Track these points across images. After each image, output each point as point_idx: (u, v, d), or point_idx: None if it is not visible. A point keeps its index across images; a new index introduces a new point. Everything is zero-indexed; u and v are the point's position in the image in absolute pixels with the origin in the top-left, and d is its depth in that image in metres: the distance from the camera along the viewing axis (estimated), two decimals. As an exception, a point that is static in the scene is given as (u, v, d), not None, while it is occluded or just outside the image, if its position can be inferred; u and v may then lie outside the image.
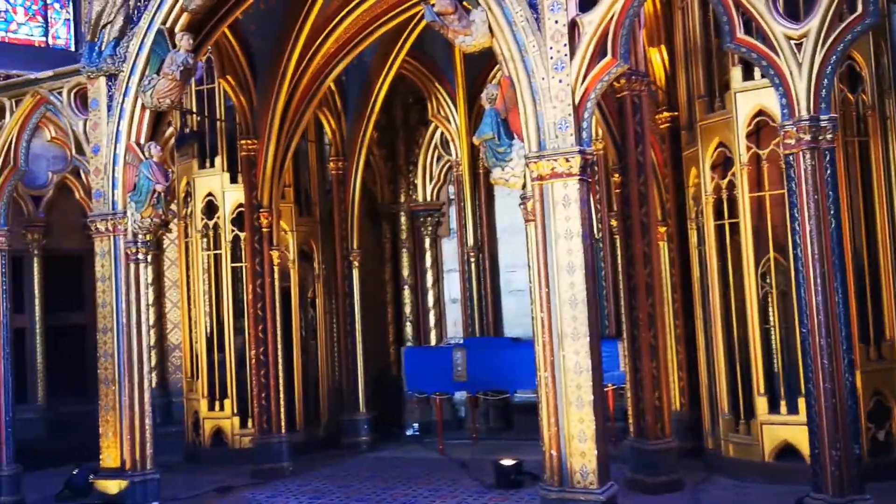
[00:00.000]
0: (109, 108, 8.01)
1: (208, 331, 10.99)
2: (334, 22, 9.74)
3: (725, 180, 8.12)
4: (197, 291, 11.04)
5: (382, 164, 12.87)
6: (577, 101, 6.10)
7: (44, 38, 12.61)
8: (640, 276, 7.80)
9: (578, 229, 6.07)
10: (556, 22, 6.14)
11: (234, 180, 10.88)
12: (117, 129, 7.96)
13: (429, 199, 12.83)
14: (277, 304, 9.97)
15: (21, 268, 11.88)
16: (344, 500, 8.26)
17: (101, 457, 7.82)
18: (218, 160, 10.97)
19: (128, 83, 7.93)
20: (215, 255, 10.99)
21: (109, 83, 8.03)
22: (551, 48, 6.15)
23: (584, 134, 6.15)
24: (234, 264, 10.89)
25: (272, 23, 9.59)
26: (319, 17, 9.41)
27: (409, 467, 9.83)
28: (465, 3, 6.62)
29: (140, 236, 7.98)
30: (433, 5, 6.67)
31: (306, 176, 11.53)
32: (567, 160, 6.10)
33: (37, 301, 12.02)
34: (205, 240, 11.06)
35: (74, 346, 12.57)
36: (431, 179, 12.83)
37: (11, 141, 8.68)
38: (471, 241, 12.22)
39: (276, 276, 10.06)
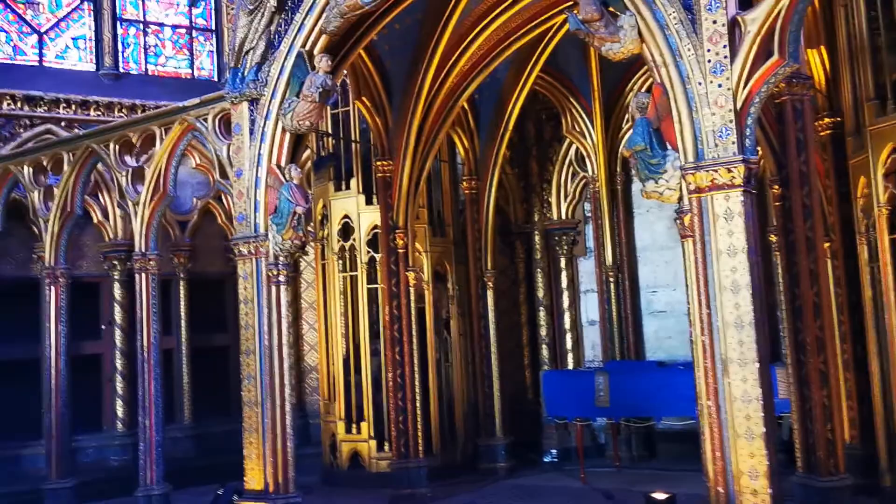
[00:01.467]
0: (251, 132, 8.11)
1: (344, 353, 11.00)
2: (469, 39, 9.61)
3: (901, 189, 7.38)
4: (334, 313, 11.07)
5: (515, 183, 12.61)
6: (739, 107, 5.62)
7: (189, 70, 13.14)
8: (807, 296, 7.15)
9: (743, 244, 5.57)
10: (715, 22, 5.69)
11: (369, 202, 10.90)
12: (259, 153, 8.04)
13: (564, 217, 12.44)
14: (414, 326, 9.84)
15: (168, 291, 12.30)
16: (486, 531, 7.96)
17: (244, 478, 7.84)
18: (353, 182, 11.01)
19: (269, 107, 8.00)
20: (351, 276, 11.01)
21: (251, 108, 8.13)
22: (709, 50, 5.70)
23: (748, 141, 5.65)
24: (369, 286, 10.87)
25: (407, 43, 9.54)
26: (454, 35, 9.29)
27: (551, 497, 9.44)
28: (611, 8, 6.27)
29: (281, 258, 8.00)
30: (577, 13, 6.35)
31: (439, 196, 11.42)
32: (729, 170, 5.62)
33: (183, 323, 12.41)
34: (340, 262, 11.11)
35: (218, 367, 12.90)
36: (566, 197, 12.44)
37: (161, 168, 8.96)
38: (609, 261, 11.74)
39: (413, 297, 9.95)
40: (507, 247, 12.60)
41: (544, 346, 12.34)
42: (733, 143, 5.63)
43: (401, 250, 9.94)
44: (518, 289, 12.68)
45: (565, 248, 12.43)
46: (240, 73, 8.18)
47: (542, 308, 12.41)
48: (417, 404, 9.73)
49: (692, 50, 5.77)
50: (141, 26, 12.76)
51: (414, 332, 9.84)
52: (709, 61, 5.71)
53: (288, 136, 8.05)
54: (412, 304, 9.91)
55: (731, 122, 5.64)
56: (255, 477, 7.76)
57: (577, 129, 11.92)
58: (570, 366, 12.19)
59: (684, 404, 9.35)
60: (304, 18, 7.82)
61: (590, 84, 11.54)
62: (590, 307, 12.36)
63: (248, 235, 8.03)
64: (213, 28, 13.19)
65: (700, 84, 5.74)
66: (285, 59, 7.93)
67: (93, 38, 12.44)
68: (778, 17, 5.56)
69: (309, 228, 8.24)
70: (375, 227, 10.81)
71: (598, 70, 11.32)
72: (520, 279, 12.72)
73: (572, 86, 11.75)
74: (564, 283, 12.42)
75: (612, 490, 9.43)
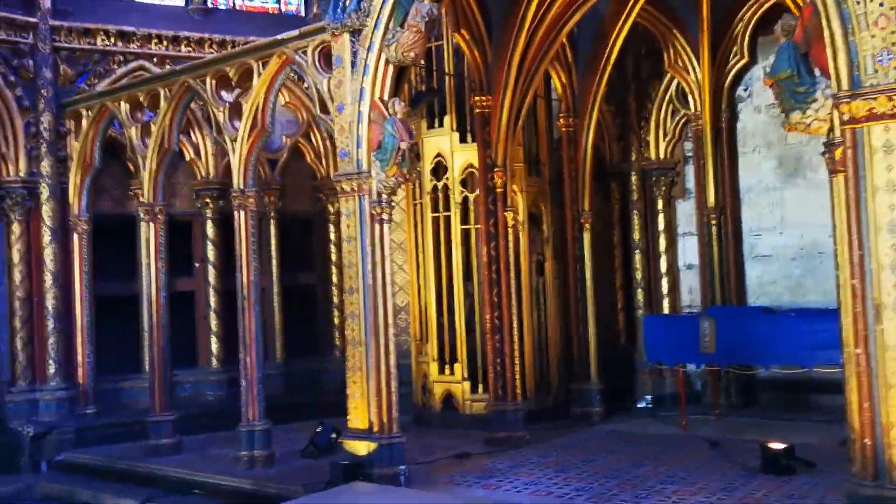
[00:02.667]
0: (353, 64, 7.85)
1: (436, 294, 10.84)
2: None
3: None
4: (427, 255, 10.89)
5: (611, 121, 12.10)
6: (904, 27, 5.11)
7: (277, 6, 12.90)
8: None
9: (903, 180, 5.12)
10: (878, -68, 5.15)
11: (463, 140, 10.60)
12: (361, 86, 7.79)
13: (662, 157, 11.93)
14: (512, 268, 9.60)
15: (259, 229, 12.25)
16: (593, 476, 7.76)
17: (348, 417, 7.80)
18: (447, 120, 10.71)
19: (371, 38, 7.73)
20: (444, 217, 10.77)
21: (353, 39, 7.86)
22: (869, -36, 5.18)
23: (914, 66, 5.15)
24: (463, 226, 10.64)
25: (509, -28, 9.10)
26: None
27: (650, 444, 9.18)
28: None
29: (384, 196, 7.80)
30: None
31: (534, 134, 11.00)
32: (890, 98, 5.15)
33: (273, 262, 12.40)
34: (432, 202, 10.87)
35: (305, 306, 12.93)
36: (665, 136, 11.91)
37: (259, 102, 8.78)
38: (711, 203, 11.23)
39: (510, 238, 9.68)
40: (601, 188, 12.16)
41: (639, 290, 11.98)
42: (895, 68, 5.13)
43: (499, 190, 9.64)
44: (612, 231, 12.27)
45: (663, 189, 11.95)
46: (341, 4, 7.90)
47: (637, 251, 12.01)
48: (515, 347, 9.53)
49: (850, -35, 5.25)
50: (230, -40, 12.55)
51: (512, 274, 9.59)
52: (869, -23, 5.19)
53: (391, 68, 7.79)
54: (510, 246, 9.63)
55: (893, 44, 5.13)
56: (358, 416, 7.71)
57: (681, 63, 11.33)
58: (666, 310, 11.82)
59: (797, 352, 8.99)
60: (410, -57, 7.47)
61: (697, 16, 10.90)
62: (688, 251, 11.91)
63: (350, 172, 7.84)
64: (301, -39, 12.91)
65: (858, 3, 5.23)
66: (389, -13, 7.62)
67: (182, -28, 12.28)
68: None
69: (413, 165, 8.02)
70: (469, 166, 10.54)
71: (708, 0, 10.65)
72: (614, 221, 12.31)
73: (678, 18, 11.12)
74: (661, 225, 11.98)
75: (716, 439, 9.11)
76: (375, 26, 7.70)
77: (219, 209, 12.03)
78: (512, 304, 9.55)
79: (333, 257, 12.79)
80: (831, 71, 5.37)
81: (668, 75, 11.66)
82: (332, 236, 12.77)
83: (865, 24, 5.20)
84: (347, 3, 7.85)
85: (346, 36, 7.88)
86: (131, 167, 11.52)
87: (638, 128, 11.99)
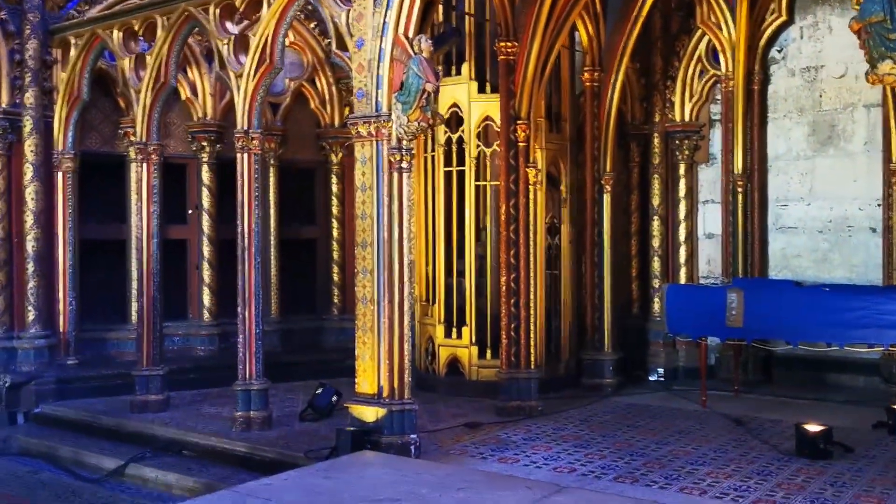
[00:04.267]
0: (376, -5, 7.13)
1: (445, 253, 10.24)
2: None
3: None
4: (438, 211, 10.25)
5: (635, 79, 11.40)
6: None
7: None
8: None
9: None
10: None
11: (482, 90, 9.92)
12: (384, 21, 7.07)
13: (687, 119, 11.28)
14: (531, 228, 8.99)
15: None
16: (616, 453, 7.24)
17: (356, 381, 7.20)
18: (465, 67, 10.00)
19: (399, -34, 6.99)
20: (458, 171, 10.12)
21: (377, -32, 7.13)
22: None
23: None
24: (477, 182, 10.00)
25: None
26: None
27: (671, 419, 8.69)
28: None
29: (405, 142, 7.14)
30: None
31: (556, 87, 10.32)
32: None
33: (272, 212, 11.70)
34: (445, 155, 10.22)
35: (304, 261, 12.29)
36: (692, 97, 11.23)
37: (268, 35, 8.05)
38: (739, 169, 10.63)
39: (531, 196, 9.06)
40: (620, 149, 11.48)
41: (656, 258, 11.41)
42: None
43: (521, 144, 8.99)
44: (630, 195, 11.66)
45: (686, 153, 11.32)
46: (372, -73, 7.14)
47: (656, 217, 11.41)
48: (532, 312, 8.95)
49: None
50: None
51: (531, 235, 8.98)
52: None
53: (418, 2, 7.07)
54: (531, 204, 9.02)
55: None
56: (367, 379, 7.12)
57: (713, 19, 10.63)
58: (683, 280, 11.28)
59: (831, 330, 8.51)
60: None
61: (737, -34, 10.20)
62: (708, 219, 11.34)
63: (368, 115, 7.15)
64: None
65: (973, -62, 4.60)
66: (420, -90, 6.88)
67: None
68: None
69: (437, 110, 7.35)
70: (487, 118, 9.90)
71: (750, -51, 9.95)
72: (633, 185, 11.68)
73: (714, -32, 10.42)
74: (682, 191, 11.36)
75: (739, 416, 8.64)
76: (403, -47, 6.96)
77: (216, 153, 11.33)
78: (530, 266, 8.95)
79: (335, 210, 12.12)
80: (935, 15, 4.75)
81: (699, 32, 10.97)
82: (335, 188, 12.08)
83: (980, -37, 4.58)
84: (372, -74, 7.10)
85: (370, -36, 7.14)
86: (122, 103, 10.78)
87: (663, 87, 11.32)
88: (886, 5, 4.99)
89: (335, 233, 12.17)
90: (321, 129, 12.12)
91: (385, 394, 7.04)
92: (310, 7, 10.19)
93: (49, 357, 10.23)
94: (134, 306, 10.42)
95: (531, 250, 9.00)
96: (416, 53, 7.01)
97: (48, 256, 10.28)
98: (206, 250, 11.34)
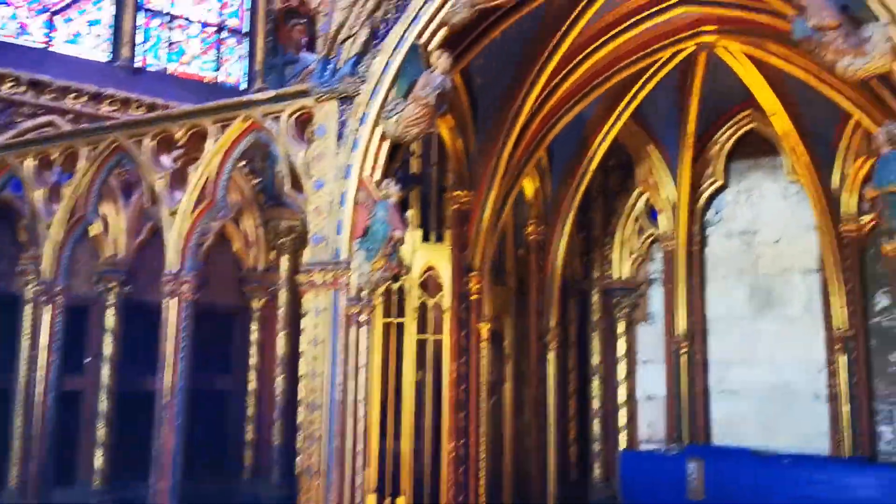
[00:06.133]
0: (340, 136, 6.63)
1: (381, 414, 9.36)
2: (577, 60, 8.35)
3: None
4: (373, 367, 9.43)
5: (574, 234, 11.24)
6: None
7: (214, 74, 11.54)
8: None
9: None
10: None
11: (426, 238, 9.44)
12: (348, 162, 6.56)
13: (625, 276, 11.13)
14: (482, 389, 8.32)
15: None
16: None
17: (297, 569, 6.13)
18: (410, 214, 9.53)
19: (367, 108, 6.56)
20: (397, 323, 9.43)
21: (343, 107, 6.66)
22: None
23: None
24: (419, 336, 9.32)
25: (507, 57, 8.19)
26: (573, 46, 8.01)
27: None
28: (853, 15, 5.09)
29: (365, 293, 6.48)
30: (805, 18, 5.15)
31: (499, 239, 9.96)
32: None
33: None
34: (383, 305, 9.54)
35: (214, 415, 11.06)
36: (631, 254, 11.16)
37: (212, 173, 7.35)
38: (682, 330, 10.43)
39: (483, 353, 8.45)
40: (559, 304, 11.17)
41: (596, 421, 10.87)
42: None
43: (473, 297, 8.50)
44: (568, 353, 11.22)
45: (625, 311, 11.09)
46: (331, 65, 6.74)
47: (595, 377, 10.98)
48: (481, 482, 8.13)
49: (980, 70, 4.59)
50: (167, 18, 11.17)
51: (482, 396, 8.31)
52: None
53: (387, 144, 6.62)
54: (481, 362, 8.40)
55: None
56: (310, 568, 6.06)
57: (652, 181, 10.72)
58: (623, 445, 10.74)
59: (798, 504, 8.05)
60: (423, 6, 6.48)
61: (678, 131, 10.38)
62: (648, 380, 11.00)
63: (325, 261, 6.50)
64: (247, 31, 11.67)
65: None
66: (393, 52, 6.55)
67: (111, 24, 10.79)
68: None
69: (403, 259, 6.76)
70: (430, 268, 9.35)
71: (697, 115, 10.14)
72: (570, 342, 11.28)
73: (653, 132, 10.58)
74: (621, 350, 11.05)
75: None
76: (372, 95, 6.55)
77: (123, 295, 10.22)
78: (480, 431, 8.23)
79: (253, 361, 11.09)
80: (960, 187, 4.61)
81: (636, 191, 11.04)
82: (256, 336, 11.10)
83: None
84: (340, 65, 6.70)
85: (335, 103, 6.68)
86: (24, 237, 9.63)
87: (602, 244, 11.20)
88: (904, 174, 4.87)
89: (250, 385, 11.08)
90: (243, 272, 11.26)
91: (332, 586, 5.98)
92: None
93: None
94: (14, 471, 8.89)
95: (481, 413, 8.30)
96: (382, 198, 6.48)
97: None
98: (103, 404, 9.99)
